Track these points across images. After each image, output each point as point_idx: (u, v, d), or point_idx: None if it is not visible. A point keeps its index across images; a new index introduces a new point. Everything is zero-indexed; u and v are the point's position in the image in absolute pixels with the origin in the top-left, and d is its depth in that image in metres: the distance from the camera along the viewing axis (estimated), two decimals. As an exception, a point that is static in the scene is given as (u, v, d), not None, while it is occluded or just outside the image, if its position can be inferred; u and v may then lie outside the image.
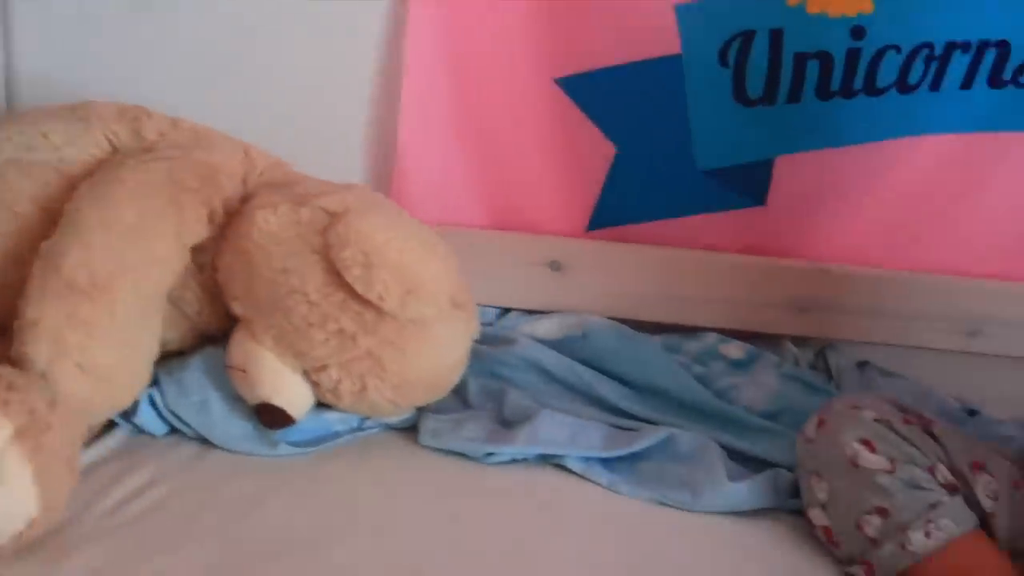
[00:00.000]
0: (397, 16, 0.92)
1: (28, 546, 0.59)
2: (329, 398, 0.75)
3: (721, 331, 0.99)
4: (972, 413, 0.93)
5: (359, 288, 0.69)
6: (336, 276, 0.70)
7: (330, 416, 0.77)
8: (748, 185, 0.97)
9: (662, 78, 0.93)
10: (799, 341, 1.00)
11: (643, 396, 0.87)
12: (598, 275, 0.98)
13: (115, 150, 0.78)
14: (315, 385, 0.74)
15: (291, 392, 0.74)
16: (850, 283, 0.97)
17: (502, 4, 0.92)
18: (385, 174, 0.98)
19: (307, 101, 0.95)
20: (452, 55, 0.93)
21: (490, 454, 0.76)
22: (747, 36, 0.91)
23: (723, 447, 0.80)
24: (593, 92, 0.95)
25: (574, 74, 0.94)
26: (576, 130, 0.96)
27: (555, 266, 0.97)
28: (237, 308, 0.75)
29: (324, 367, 0.73)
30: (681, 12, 0.90)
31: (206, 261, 0.77)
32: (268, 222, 0.72)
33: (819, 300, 0.98)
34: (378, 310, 0.70)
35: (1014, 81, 0.92)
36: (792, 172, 0.96)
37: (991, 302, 0.98)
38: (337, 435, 0.77)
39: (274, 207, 0.73)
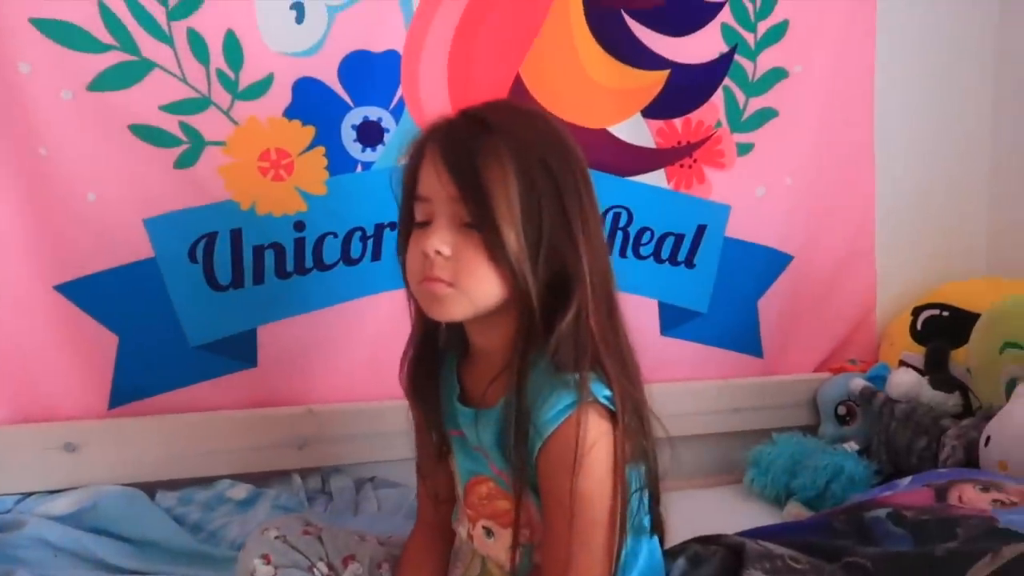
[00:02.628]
0: None
1: None
2: None
3: (235, 476, 1.17)
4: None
5: None
6: None
7: None
8: (238, 352, 1.18)
9: (144, 277, 1.12)
10: (305, 473, 1.22)
11: (141, 550, 1.02)
12: (114, 449, 1.12)
13: None
14: None
15: None
16: (335, 418, 1.21)
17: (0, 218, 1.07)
18: None
19: None
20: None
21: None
22: (211, 237, 1.14)
23: (197, 581, 0.97)
24: (89, 293, 1.11)
25: (71, 280, 1.11)
26: (80, 325, 1.11)
27: (69, 447, 1.10)
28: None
29: None
30: (149, 224, 1.11)
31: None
32: None
33: (313, 436, 1.20)
34: None
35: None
36: (274, 336, 1.19)
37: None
38: None
39: None
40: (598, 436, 0.71)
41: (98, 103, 1.06)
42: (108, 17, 1.06)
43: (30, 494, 1.09)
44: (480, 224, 0.72)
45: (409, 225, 0.78)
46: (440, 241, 0.73)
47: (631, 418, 0.73)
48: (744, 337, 1.47)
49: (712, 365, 1.44)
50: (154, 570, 0.98)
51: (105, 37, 1.06)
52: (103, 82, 1.06)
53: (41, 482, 1.09)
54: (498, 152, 0.73)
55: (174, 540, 1.01)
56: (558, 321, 0.71)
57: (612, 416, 0.72)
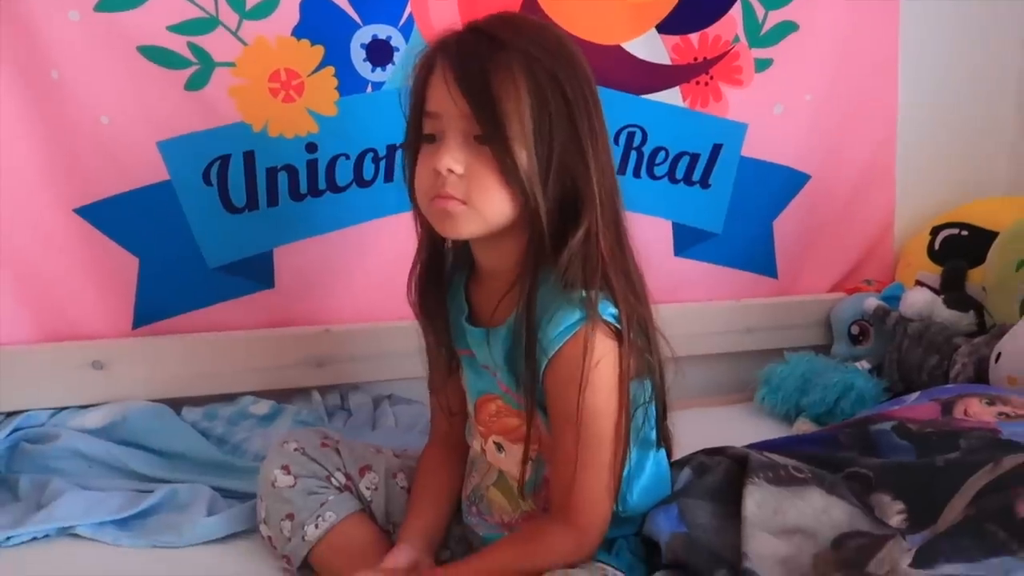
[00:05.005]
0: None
1: None
2: None
3: (257, 393, 1.21)
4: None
5: None
6: None
7: None
8: (255, 274, 1.20)
9: (161, 200, 1.13)
10: (325, 390, 1.25)
11: (168, 461, 1.06)
12: (140, 367, 1.16)
13: None
14: None
15: None
16: (352, 338, 1.23)
17: (18, 144, 1.08)
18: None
19: None
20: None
21: (8, 538, 0.91)
22: (224, 159, 1.15)
23: (222, 490, 1.01)
24: (108, 216, 1.13)
25: (90, 203, 1.12)
26: (101, 248, 1.14)
27: (97, 365, 1.14)
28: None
29: None
30: (163, 147, 1.12)
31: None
32: None
33: (331, 356, 1.23)
34: None
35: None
36: (290, 258, 1.21)
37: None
38: None
39: None
40: (603, 353, 0.72)
41: (106, 23, 1.06)
42: (115, -66, 1.05)
43: (62, 409, 1.13)
44: (492, 141, 0.71)
45: (417, 141, 0.78)
46: (452, 159, 0.73)
47: (637, 335, 0.74)
48: (759, 258, 1.47)
49: (726, 286, 1.44)
50: (182, 479, 1.02)
51: (111, -46, 1.05)
52: (110, 1, 1.05)
53: (72, 398, 1.13)
54: (510, 68, 0.73)
55: (200, 452, 1.06)
56: (568, 239, 0.72)
57: (618, 333, 0.73)
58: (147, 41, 1.08)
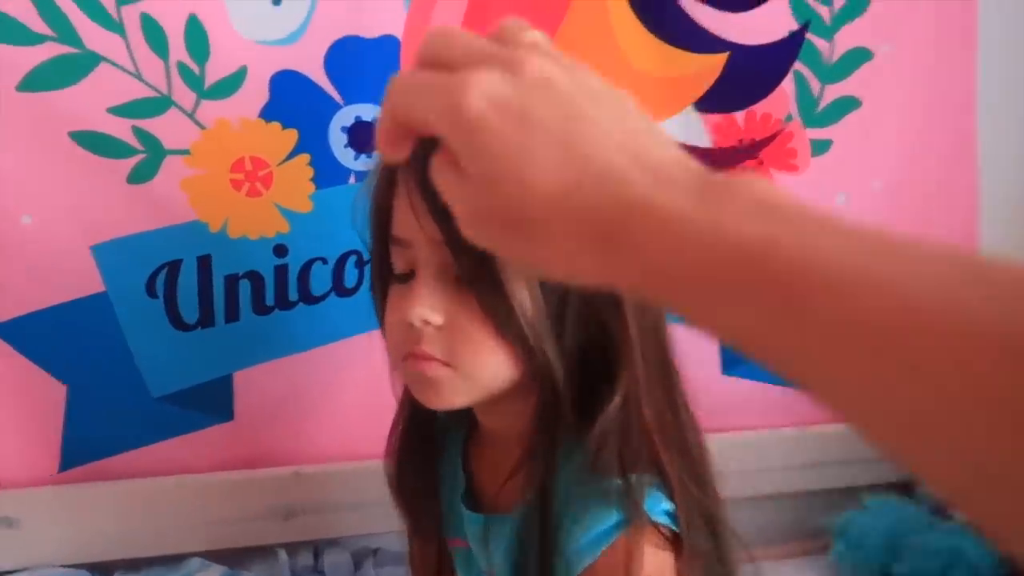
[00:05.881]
0: None
1: None
2: None
3: (209, 553, 0.97)
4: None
5: None
6: None
7: None
8: (209, 404, 0.98)
9: (94, 315, 0.93)
10: (294, 547, 1.01)
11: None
12: (62, 522, 0.93)
13: None
14: None
15: None
16: (328, 481, 1.00)
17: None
18: None
19: None
20: None
21: None
22: (173, 266, 0.94)
23: None
24: (30, 334, 0.92)
25: (7, 320, 0.92)
26: (21, 374, 0.92)
27: (6, 522, 0.91)
28: None
29: None
30: (98, 251, 0.92)
31: None
32: None
33: (301, 504, 0.99)
34: None
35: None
36: (253, 384, 0.99)
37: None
38: None
39: None
40: (655, 570, 0.49)
41: (32, 105, 0.87)
42: (41, 1, 0.88)
43: (-42, 581, 0.92)
44: (477, 282, 0.52)
45: (384, 275, 0.58)
46: (427, 307, 0.53)
47: (701, 538, 0.51)
48: (824, 374, 1.24)
49: (786, 411, 1.18)
50: None
51: (38, 25, 0.87)
52: (37, 80, 0.87)
53: (-30, 565, 0.91)
54: None
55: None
56: (598, 406, 0.50)
57: (674, 539, 0.50)
58: (82, 126, 0.90)
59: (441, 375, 0.55)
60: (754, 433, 1.18)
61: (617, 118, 0.32)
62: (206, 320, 0.96)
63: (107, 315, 0.93)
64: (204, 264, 0.95)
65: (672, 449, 0.54)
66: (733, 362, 1.17)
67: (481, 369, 0.54)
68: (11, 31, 0.86)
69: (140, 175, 0.92)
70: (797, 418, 1.20)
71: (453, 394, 0.55)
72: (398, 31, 0.99)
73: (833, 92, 1.16)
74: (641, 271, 0.30)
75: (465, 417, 0.65)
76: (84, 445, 0.96)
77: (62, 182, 0.90)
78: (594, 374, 0.54)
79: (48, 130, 0.89)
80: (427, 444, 0.66)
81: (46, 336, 0.92)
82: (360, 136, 0.98)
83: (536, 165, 0.31)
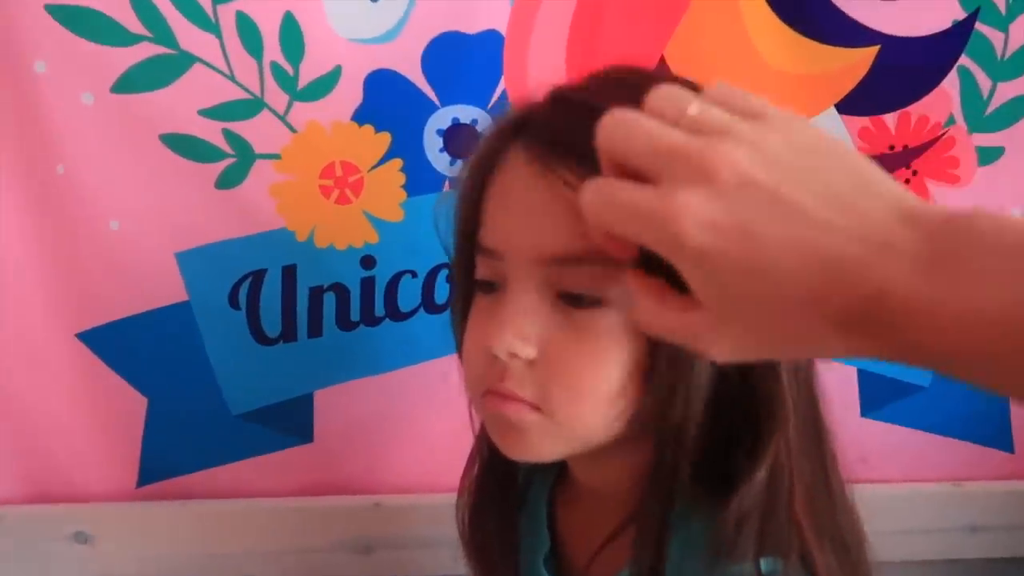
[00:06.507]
0: None
1: None
2: None
3: (282, 584, 0.91)
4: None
5: None
6: None
7: None
8: (290, 424, 0.92)
9: (177, 326, 0.89)
10: (371, 584, 0.94)
11: None
12: (133, 541, 0.89)
13: None
14: None
15: None
16: (410, 514, 0.92)
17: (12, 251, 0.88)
18: None
19: None
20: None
21: None
22: (257, 276, 0.89)
23: None
24: (114, 344, 0.89)
25: (93, 328, 0.90)
26: (104, 384, 0.89)
27: (80, 538, 0.88)
28: None
29: None
30: (182, 259, 0.88)
31: None
32: None
33: (382, 538, 0.91)
34: None
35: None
36: (335, 405, 0.92)
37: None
38: None
39: None
40: None
41: (125, 107, 0.84)
42: (138, 1, 0.86)
43: (33, 593, 0.89)
44: (599, 301, 0.42)
45: (467, 288, 0.49)
46: (518, 336, 0.43)
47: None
48: (985, 422, 1.05)
49: (937, 462, 1.03)
50: None
51: (134, 25, 0.83)
52: (130, 82, 0.84)
53: (46, 578, 0.88)
54: None
55: None
56: (737, 480, 0.40)
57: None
58: (173, 128, 0.86)
59: (528, 421, 0.44)
60: (897, 487, 1.02)
61: (830, 183, 0.33)
62: (288, 334, 0.90)
63: (190, 326, 0.89)
64: (289, 275, 0.90)
65: (824, 535, 0.42)
66: (874, 403, 1.02)
67: (580, 420, 0.44)
68: (109, 31, 0.84)
69: (228, 180, 0.87)
70: (950, 471, 1.04)
71: (541, 445, 0.45)
72: (502, 26, 0.91)
73: (1006, 92, 0.99)
74: (900, 351, 0.32)
75: (555, 464, 0.55)
76: (162, 462, 0.92)
77: (151, 187, 0.86)
78: (726, 432, 0.43)
79: (140, 132, 0.85)
80: (507, 491, 0.56)
81: (129, 346, 0.89)
82: (456, 140, 0.90)
83: (776, 278, 0.31)
